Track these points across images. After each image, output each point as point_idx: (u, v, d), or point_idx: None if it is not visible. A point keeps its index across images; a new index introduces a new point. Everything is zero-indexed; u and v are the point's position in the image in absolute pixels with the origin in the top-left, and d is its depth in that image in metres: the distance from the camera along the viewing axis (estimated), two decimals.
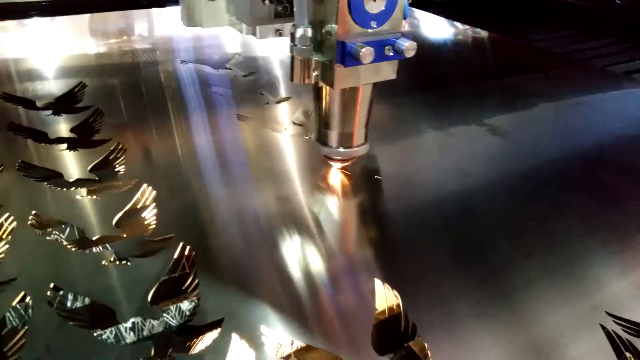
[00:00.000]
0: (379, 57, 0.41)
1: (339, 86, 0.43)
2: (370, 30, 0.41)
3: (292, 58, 0.42)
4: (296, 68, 0.42)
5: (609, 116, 0.70)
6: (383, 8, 0.40)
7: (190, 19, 0.48)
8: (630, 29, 1.15)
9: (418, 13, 1.22)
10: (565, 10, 1.31)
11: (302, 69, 0.42)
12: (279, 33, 0.46)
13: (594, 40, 1.15)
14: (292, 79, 0.43)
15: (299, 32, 0.40)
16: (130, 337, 0.33)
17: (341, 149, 0.49)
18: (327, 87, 0.45)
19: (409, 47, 0.41)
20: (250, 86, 0.74)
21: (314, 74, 0.43)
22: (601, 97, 0.78)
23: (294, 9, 0.40)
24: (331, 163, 0.52)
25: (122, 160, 0.53)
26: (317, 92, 0.47)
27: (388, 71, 0.44)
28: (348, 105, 0.46)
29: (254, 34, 0.46)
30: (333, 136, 0.48)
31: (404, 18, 0.43)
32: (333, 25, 0.40)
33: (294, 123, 0.63)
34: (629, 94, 0.79)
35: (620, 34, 1.15)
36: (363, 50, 0.39)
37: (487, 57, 0.99)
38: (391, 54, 0.42)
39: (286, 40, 0.46)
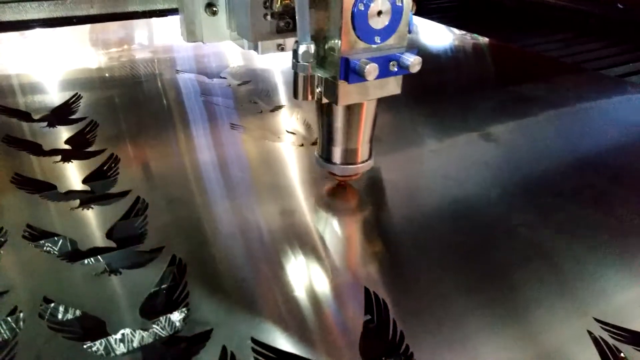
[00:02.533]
0: (384, 72, 0.40)
1: (342, 102, 0.42)
2: (374, 46, 0.40)
3: (295, 74, 0.41)
4: (299, 85, 0.41)
5: (603, 121, 0.70)
6: (387, 23, 0.40)
7: (190, 34, 0.47)
8: (623, 32, 1.15)
9: (414, 19, 1.22)
10: (558, 13, 1.31)
11: (305, 85, 0.41)
12: (280, 48, 0.45)
13: (587, 44, 1.15)
14: (295, 96, 0.42)
15: (302, 49, 0.39)
16: (120, 349, 0.34)
17: (345, 166, 0.48)
18: (331, 103, 0.44)
19: (414, 62, 0.40)
20: (244, 95, 0.74)
21: (317, 90, 0.42)
22: (595, 101, 0.78)
23: (297, 25, 0.39)
24: (336, 179, 0.51)
25: (115, 171, 0.53)
26: (320, 108, 0.46)
27: (393, 86, 0.44)
28: (352, 121, 0.46)
29: (255, 49, 0.45)
30: (337, 152, 0.48)
31: (409, 32, 0.42)
32: (336, 41, 0.39)
33: (288, 132, 0.64)
34: (623, 98, 0.79)
35: (613, 37, 1.15)
36: (367, 66, 0.38)
37: (483, 62, 0.99)
38: (396, 69, 0.41)
39: (286, 52, 0.45)
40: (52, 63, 0.85)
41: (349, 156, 0.48)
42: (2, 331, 0.34)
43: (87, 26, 1.02)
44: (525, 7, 1.40)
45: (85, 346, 0.34)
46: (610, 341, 0.35)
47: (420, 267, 0.42)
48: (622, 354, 0.34)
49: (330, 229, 0.47)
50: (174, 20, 1.08)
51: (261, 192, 0.52)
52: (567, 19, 1.28)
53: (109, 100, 0.71)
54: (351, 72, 0.39)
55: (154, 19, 1.10)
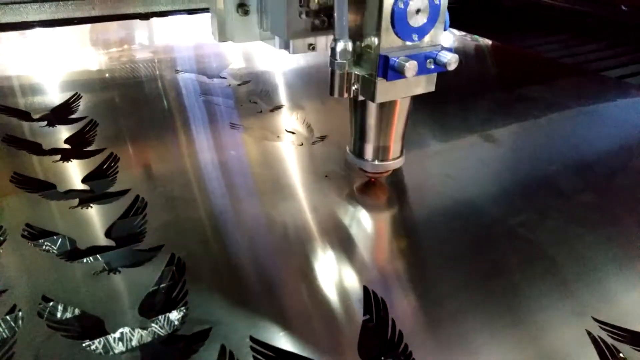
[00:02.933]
0: (421, 70, 0.40)
1: (380, 99, 0.42)
2: (410, 43, 0.40)
3: (332, 72, 0.41)
4: (336, 82, 0.42)
5: (604, 122, 0.70)
6: (425, 21, 0.40)
7: (221, 34, 0.47)
8: (623, 33, 1.15)
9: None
10: (558, 15, 1.31)
11: (341, 82, 0.42)
12: (312, 47, 0.45)
13: (587, 45, 1.15)
14: (331, 93, 0.42)
15: (340, 46, 0.39)
16: (118, 348, 0.34)
17: (376, 162, 0.49)
18: (365, 100, 0.44)
19: (451, 59, 0.41)
20: (244, 95, 0.74)
21: (354, 87, 0.42)
22: (596, 102, 0.78)
23: (335, 23, 0.39)
24: (366, 175, 0.52)
25: (114, 171, 0.53)
26: (354, 105, 0.47)
27: (428, 84, 0.44)
28: (385, 118, 0.46)
29: (287, 48, 0.45)
30: (369, 149, 0.48)
31: (445, 30, 0.42)
32: (374, 39, 0.39)
33: (287, 131, 0.64)
34: (623, 100, 0.79)
35: (613, 38, 1.15)
36: (407, 64, 0.38)
37: (483, 63, 0.99)
38: (432, 66, 0.41)
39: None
40: (52, 63, 0.84)
41: (381, 153, 0.48)
42: (1, 330, 0.34)
43: (88, 26, 1.02)
44: (524, 8, 1.40)
45: (84, 345, 0.34)
46: (610, 341, 0.35)
47: (419, 266, 0.42)
48: (621, 354, 0.34)
49: (330, 228, 0.47)
50: (174, 20, 1.08)
51: (260, 190, 0.52)
52: (566, 20, 1.28)
53: (109, 100, 0.71)
54: (390, 70, 0.39)
55: (154, 19, 1.10)
